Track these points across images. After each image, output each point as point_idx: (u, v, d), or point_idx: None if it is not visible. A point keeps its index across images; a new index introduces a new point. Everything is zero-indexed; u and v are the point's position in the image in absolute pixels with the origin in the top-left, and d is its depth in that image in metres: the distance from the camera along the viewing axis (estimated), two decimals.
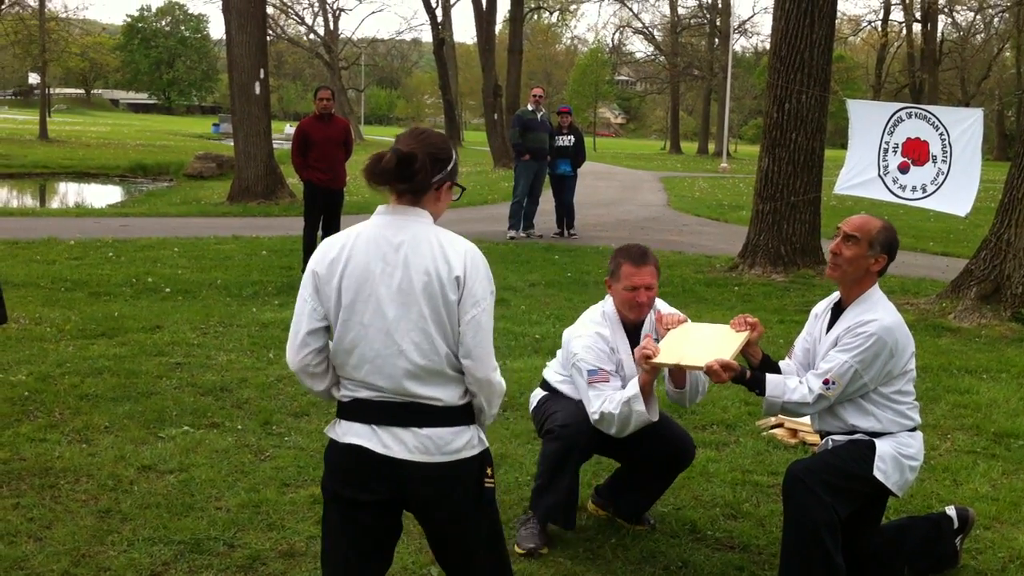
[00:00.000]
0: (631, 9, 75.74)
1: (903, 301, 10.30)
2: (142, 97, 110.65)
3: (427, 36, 69.41)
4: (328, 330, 2.96)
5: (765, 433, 5.95)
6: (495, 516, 3.08)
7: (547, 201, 15.95)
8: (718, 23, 59.64)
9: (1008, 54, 62.05)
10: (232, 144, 20.95)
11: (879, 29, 61.09)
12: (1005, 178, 10.00)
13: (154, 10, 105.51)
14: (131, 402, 6.15)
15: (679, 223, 19.25)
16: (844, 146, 11.61)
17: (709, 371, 3.80)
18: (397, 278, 2.86)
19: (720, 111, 53.22)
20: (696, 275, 12.10)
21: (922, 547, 4.14)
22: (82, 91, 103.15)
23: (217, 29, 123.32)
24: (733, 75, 49.90)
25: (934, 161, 10.18)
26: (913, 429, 3.93)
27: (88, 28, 60.72)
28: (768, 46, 15.59)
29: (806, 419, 4.16)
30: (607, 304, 4.40)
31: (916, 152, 10.36)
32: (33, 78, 77.09)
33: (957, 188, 10.03)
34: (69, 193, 28.31)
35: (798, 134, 11.88)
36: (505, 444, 5.53)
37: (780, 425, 5.96)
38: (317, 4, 63.00)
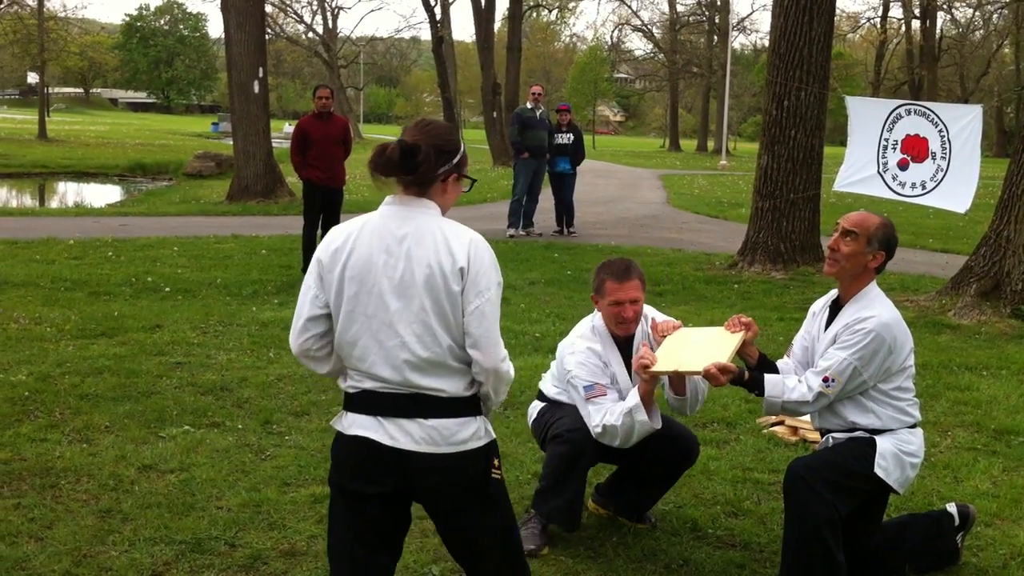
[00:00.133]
0: (630, 6, 75.63)
1: (903, 298, 10.30)
2: (141, 96, 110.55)
3: (426, 34, 69.43)
4: (330, 317, 2.97)
5: (766, 431, 5.96)
6: (508, 509, 3.07)
7: (546, 199, 15.95)
8: (717, 20, 59.63)
9: (1007, 50, 62.04)
10: (231, 143, 20.95)
11: (878, 26, 61.06)
12: (1004, 174, 10.00)
13: (153, 9, 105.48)
14: (131, 402, 6.15)
15: (678, 221, 19.24)
16: (843, 143, 11.60)
17: (707, 375, 3.80)
18: (399, 270, 2.86)
19: (719, 108, 53.20)
20: (696, 273, 12.10)
21: (923, 544, 4.14)
22: (81, 90, 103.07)
23: (216, 28, 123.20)
24: (732, 72, 49.85)
25: (933, 158, 10.18)
26: (913, 426, 3.93)
27: (87, 27, 60.64)
28: (767, 43, 15.59)
29: (806, 417, 4.16)
30: (596, 318, 4.39)
31: (915, 149, 10.36)
32: (32, 77, 77.02)
33: (956, 185, 10.03)
34: (68, 193, 28.29)
35: (797, 131, 11.87)
36: (505, 443, 5.53)
37: (781, 423, 5.96)
38: (316, 2, 62.99)
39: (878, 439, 3.84)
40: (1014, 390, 6.99)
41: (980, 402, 6.67)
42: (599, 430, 4.13)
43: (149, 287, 10.21)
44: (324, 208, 11.11)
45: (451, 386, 2.91)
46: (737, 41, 67.46)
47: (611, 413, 4.10)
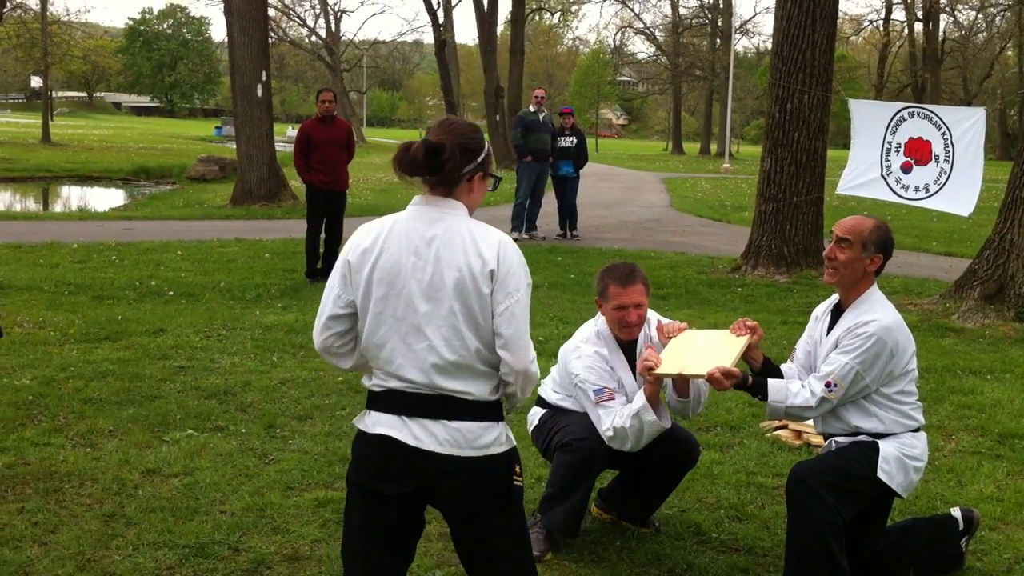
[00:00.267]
0: (632, 10, 75.87)
1: (906, 301, 10.29)
2: (144, 100, 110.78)
3: (429, 38, 69.47)
4: (353, 316, 2.98)
5: (769, 435, 5.95)
6: (523, 516, 3.06)
7: (549, 202, 15.95)
8: (720, 23, 59.60)
9: (1010, 53, 62.01)
10: (234, 147, 20.97)
11: (881, 28, 61.07)
12: (1008, 177, 9.99)
13: (156, 13, 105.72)
14: (135, 406, 6.16)
15: (681, 224, 19.24)
16: (846, 146, 11.61)
17: (711, 379, 3.80)
18: (428, 273, 2.86)
19: (722, 111, 53.18)
20: (699, 276, 12.09)
21: (927, 549, 4.14)
22: (84, 94, 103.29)
23: (219, 32, 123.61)
24: (735, 75, 49.90)
25: (937, 161, 10.18)
26: (916, 430, 3.93)
27: (90, 31, 60.74)
28: (770, 46, 15.59)
29: (810, 421, 4.16)
30: (600, 322, 4.38)
31: (919, 152, 10.36)
32: (35, 81, 77.16)
33: (960, 188, 10.03)
34: (72, 197, 28.32)
35: (800, 134, 11.87)
36: None
37: (784, 427, 5.96)
38: (319, 6, 63.01)
39: (881, 443, 3.84)
40: (1018, 394, 6.98)
41: (984, 406, 6.66)
42: (610, 434, 4.13)
43: (153, 291, 10.22)
44: (327, 212, 11.12)
45: (477, 389, 2.91)
46: (740, 44, 67.63)
47: (620, 416, 4.11)
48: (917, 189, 10.41)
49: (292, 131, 49.19)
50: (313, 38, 64.03)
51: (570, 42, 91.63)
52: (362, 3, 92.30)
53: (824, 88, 11.93)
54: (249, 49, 18.64)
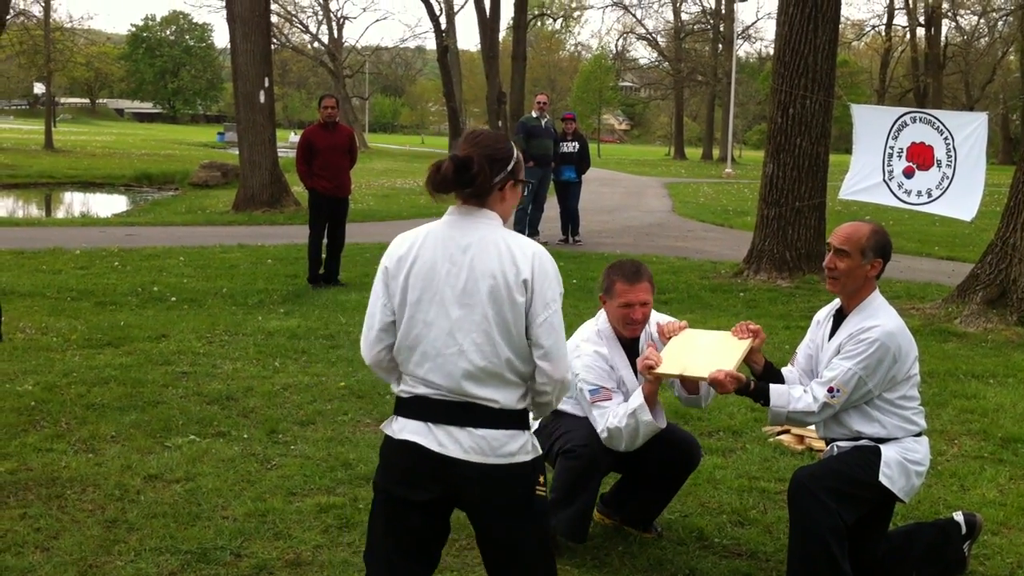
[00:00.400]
0: (634, 15, 75.63)
1: (909, 306, 10.28)
2: (147, 106, 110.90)
3: (431, 44, 69.40)
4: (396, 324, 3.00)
5: (772, 439, 5.95)
6: (547, 524, 3.08)
7: (552, 208, 15.96)
8: (722, 29, 59.61)
9: (1012, 58, 61.98)
10: (237, 153, 21.00)
11: (883, 34, 61.06)
12: (1010, 182, 9.98)
13: (159, 19, 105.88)
14: (137, 411, 6.16)
15: (684, 229, 19.24)
16: (849, 151, 11.61)
17: (714, 382, 3.81)
18: (463, 279, 2.89)
19: (724, 117, 53.20)
20: (701, 281, 12.09)
21: (929, 553, 4.13)
22: (87, 101, 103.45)
23: (222, 38, 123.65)
24: (737, 80, 49.92)
25: (939, 165, 10.18)
26: (919, 434, 3.93)
27: (93, 38, 60.87)
28: (772, 51, 15.59)
29: (812, 426, 4.15)
30: (600, 321, 4.38)
31: (921, 157, 10.35)
32: (38, 88, 77.32)
33: (962, 192, 10.03)
34: (75, 203, 28.38)
35: (803, 139, 11.87)
36: None
37: (787, 431, 5.95)
38: (321, 12, 63.17)
39: (883, 447, 3.84)
40: (1021, 398, 6.97)
41: (987, 410, 6.65)
42: (605, 435, 4.14)
43: (155, 297, 10.23)
44: (330, 217, 11.12)
45: (504, 398, 2.92)
46: (742, 49, 67.62)
47: (615, 416, 4.11)
48: (919, 194, 10.41)
49: (294, 137, 49.18)
50: (315, 44, 64.15)
51: (572, 48, 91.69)
52: (364, 10, 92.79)
53: (826, 93, 11.93)
54: (252, 55, 18.67)
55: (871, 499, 3.86)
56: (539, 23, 68.73)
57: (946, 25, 58.97)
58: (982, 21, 59.69)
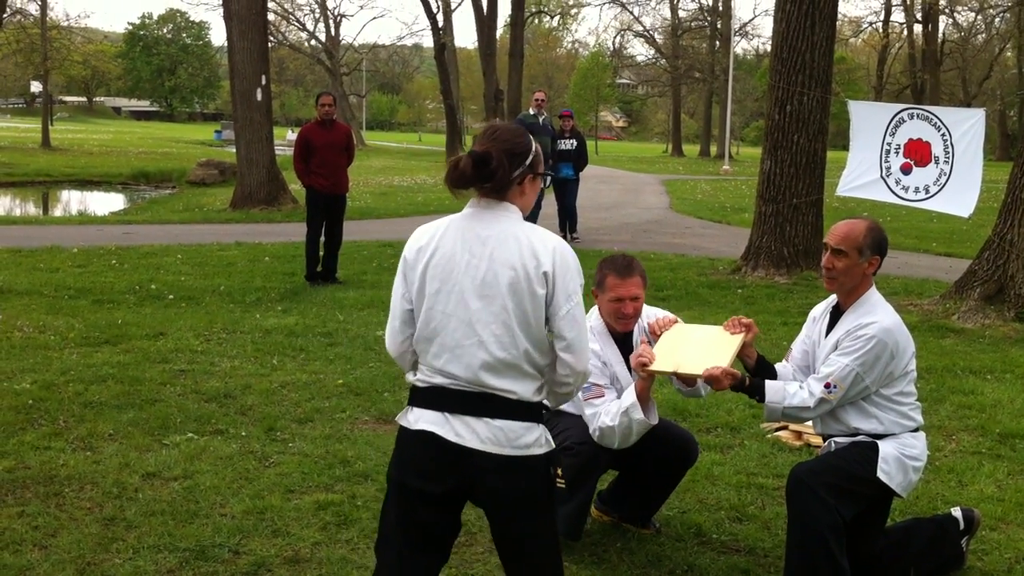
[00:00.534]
0: (632, 12, 75.57)
1: (906, 302, 10.29)
2: (144, 104, 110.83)
3: (428, 41, 69.50)
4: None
5: (770, 435, 5.95)
6: (555, 520, 3.08)
7: (549, 205, 15.95)
8: (719, 26, 59.62)
9: (1009, 54, 62.04)
10: (234, 151, 20.98)
11: (880, 30, 61.06)
12: (1007, 178, 9.99)
13: (156, 18, 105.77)
14: (135, 409, 6.16)
15: (681, 226, 19.25)
16: (846, 147, 11.61)
17: (709, 378, 3.81)
18: (482, 271, 2.89)
19: (722, 113, 53.21)
20: (699, 278, 12.10)
21: (927, 549, 4.13)
22: (84, 99, 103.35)
23: (219, 36, 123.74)
24: (734, 77, 49.89)
25: (936, 162, 10.19)
26: (916, 430, 3.93)
27: (90, 36, 60.87)
28: (769, 48, 15.59)
29: (810, 422, 4.15)
30: (593, 316, 4.38)
31: (918, 153, 10.36)
32: (35, 86, 77.25)
33: (959, 189, 10.04)
34: (72, 201, 28.35)
35: (800, 136, 11.88)
36: None
37: (785, 427, 5.96)
38: (318, 10, 63.15)
39: (880, 443, 3.84)
40: (1018, 394, 6.98)
41: (984, 406, 6.65)
42: (597, 434, 4.14)
43: (153, 295, 10.22)
44: (327, 215, 11.12)
45: (522, 389, 2.92)
46: (739, 46, 67.58)
47: (607, 414, 4.10)
48: (917, 190, 10.42)
49: (292, 135, 49.23)
50: (312, 42, 64.17)
51: (569, 45, 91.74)
52: (361, 7, 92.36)
53: (823, 90, 11.94)
54: (249, 53, 18.66)
55: (869, 495, 3.86)
56: (536, 20, 68.75)
57: (943, 21, 59.04)
58: (979, 17, 59.72)
